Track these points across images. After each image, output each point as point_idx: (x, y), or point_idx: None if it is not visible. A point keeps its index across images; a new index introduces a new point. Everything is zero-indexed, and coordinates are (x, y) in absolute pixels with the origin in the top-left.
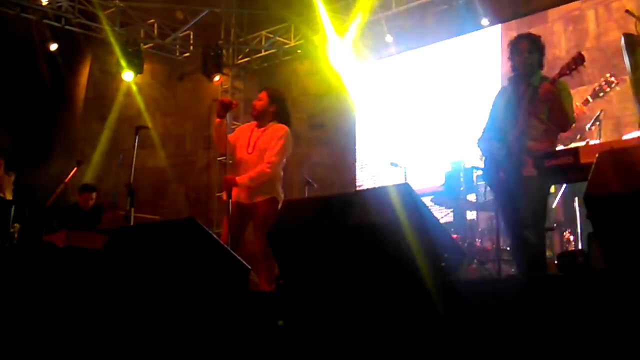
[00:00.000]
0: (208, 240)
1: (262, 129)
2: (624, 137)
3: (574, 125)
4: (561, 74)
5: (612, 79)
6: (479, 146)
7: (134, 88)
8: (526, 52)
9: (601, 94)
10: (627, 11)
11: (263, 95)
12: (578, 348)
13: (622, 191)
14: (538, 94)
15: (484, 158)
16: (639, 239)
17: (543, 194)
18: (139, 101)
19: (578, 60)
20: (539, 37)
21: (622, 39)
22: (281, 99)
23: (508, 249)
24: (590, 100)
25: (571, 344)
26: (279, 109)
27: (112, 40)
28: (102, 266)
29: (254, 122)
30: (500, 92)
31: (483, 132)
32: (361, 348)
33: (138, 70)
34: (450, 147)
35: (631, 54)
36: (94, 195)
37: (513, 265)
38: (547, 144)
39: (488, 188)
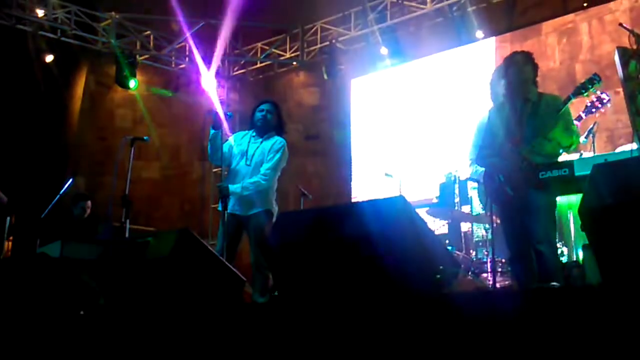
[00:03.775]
0: (203, 251)
1: (261, 140)
2: (618, 150)
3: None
4: (576, 93)
5: (604, 95)
6: (477, 164)
7: (130, 99)
8: (521, 64)
9: (594, 110)
10: (620, 24)
11: (272, 108)
12: None
13: (616, 203)
14: (541, 110)
15: (484, 174)
16: (633, 251)
17: (552, 208)
18: (137, 111)
19: (594, 81)
20: (532, 53)
21: (616, 52)
22: (281, 111)
23: (503, 260)
24: (584, 117)
25: (568, 356)
26: (279, 121)
27: (117, 52)
28: (97, 276)
29: (249, 131)
30: (495, 108)
31: (480, 150)
32: (356, 359)
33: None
34: (444, 159)
35: (624, 66)
36: (89, 203)
37: (508, 277)
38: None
39: (480, 201)
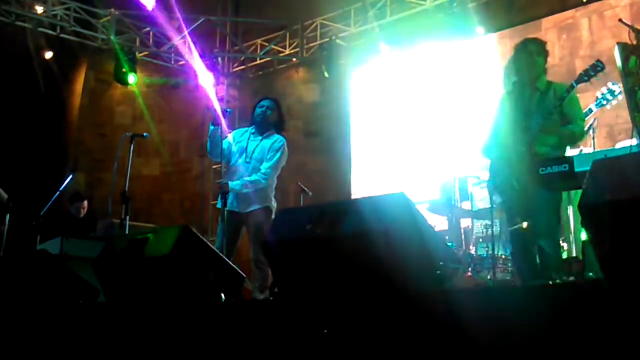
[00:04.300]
0: (203, 248)
1: (260, 137)
2: (617, 145)
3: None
4: (579, 81)
5: (615, 87)
6: (485, 154)
7: (130, 96)
8: (535, 54)
9: (605, 103)
10: (620, 20)
11: (273, 105)
12: (575, 357)
13: (616, 199)
14: (549, 100)
15: (490, 165)
16: (634, 247)
17: (557, 202)
18: (136, 108)
19: (597, 68)
20: (545, 42)
21: (616, 47)
22: (282, 109)
23: (503, 256)
24: (594, 109)
25: (568, 352)
26: (279, 119)
27: (116, 47)
28: (97, 273)
29: (248, 128)
30: (503, 98)
31: (487, 139)
32: (356, 356)
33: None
34: (445, 156)
35: (624, 62)
36: (85, 204)
37: (508, 272)
38: (561, 152)
39: (486, 195)
